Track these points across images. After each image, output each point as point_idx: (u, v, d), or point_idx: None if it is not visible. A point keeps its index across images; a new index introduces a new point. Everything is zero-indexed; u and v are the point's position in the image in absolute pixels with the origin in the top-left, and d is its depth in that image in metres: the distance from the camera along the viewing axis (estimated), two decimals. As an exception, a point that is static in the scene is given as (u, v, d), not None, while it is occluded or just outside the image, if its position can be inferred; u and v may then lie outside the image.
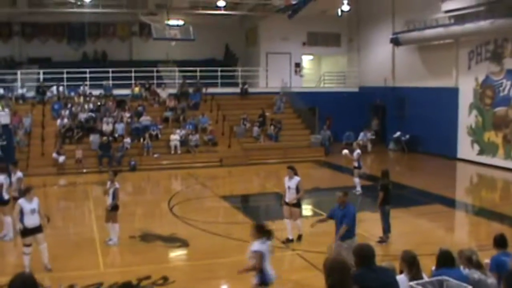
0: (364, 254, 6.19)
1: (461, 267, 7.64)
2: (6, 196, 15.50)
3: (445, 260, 7.44)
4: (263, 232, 9.18)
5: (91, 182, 24.23)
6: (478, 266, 7.72)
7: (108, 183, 14.98)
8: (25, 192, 12.76)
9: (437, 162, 28.85)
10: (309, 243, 14.55)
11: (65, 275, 12.15)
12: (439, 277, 6.68)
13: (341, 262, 5.47)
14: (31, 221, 12.32)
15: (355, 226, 11.94)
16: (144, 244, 15.06)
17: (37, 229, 12.43)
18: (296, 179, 14.94)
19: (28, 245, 12.44)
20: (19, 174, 16.36)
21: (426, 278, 7.44)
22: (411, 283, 6.61)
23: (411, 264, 7.34)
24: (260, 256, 8.94)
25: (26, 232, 12.35)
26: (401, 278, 7.09)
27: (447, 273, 6.96)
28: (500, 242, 8.65)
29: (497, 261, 8.19)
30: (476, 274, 7.42)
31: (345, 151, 21.45)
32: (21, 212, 12.28)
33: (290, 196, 14.95)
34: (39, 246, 12.57)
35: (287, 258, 13.92)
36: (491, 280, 7.57)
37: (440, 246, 8.00)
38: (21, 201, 12.41)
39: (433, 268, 7.64)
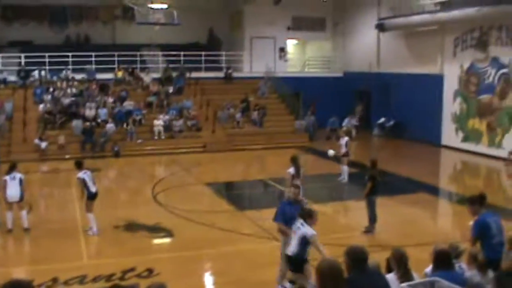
0: (358, 257, 6.01)
1: (460, 264, 7.59)
2: None
3: (442, 262, 7.22)
4: None
5: (74, 169, 23.88)
6: (480, 267, 7.62)
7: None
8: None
9: (421, 148, 28.87)
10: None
11: (49, 267, 12.01)
12: (431, 278, 6.56)
13: (335, 268, 5.33)
14: None
15: None
16: (128, 234, 14.93)
17: None
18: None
19: None
20: None
21: (415, 276, 7.38)
22: (403, 284, 6.49)
23: (399, 263, 7.27)
24: None
25: None
26: (391, 277, 7.01)
27: (444, 275, 6.78)
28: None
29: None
30: (476, 277, 7.31)
31: (331, 152, 21.03)
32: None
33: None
34: None
35: (273, 249, 13.80)
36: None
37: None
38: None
39: (427, 269, 7.53)
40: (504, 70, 25.25)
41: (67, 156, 26.31)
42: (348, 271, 5.85)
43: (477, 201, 9.10)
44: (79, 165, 14.95)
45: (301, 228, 9.69)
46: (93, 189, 14.74)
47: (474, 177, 24.41)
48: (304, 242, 9.62)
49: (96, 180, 15.50)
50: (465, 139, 27.71)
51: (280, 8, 34.81)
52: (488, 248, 8.64)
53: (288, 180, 14.44)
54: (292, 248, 9.81)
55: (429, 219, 17.13)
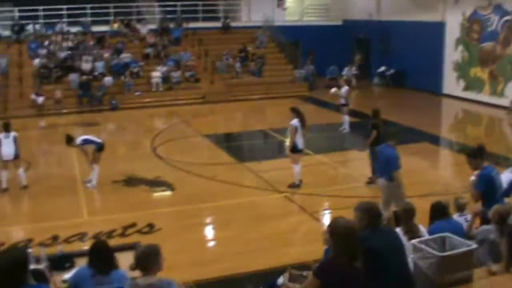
0: (371, 214, 5.77)
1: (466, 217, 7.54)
2: None
3: (438, 213, 7.16)
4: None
5: (72, 123, 23.66)
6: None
7: None
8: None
9: (422, 97, 28.56)
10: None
11: (48, 225, 11.84)
12: (442, 234, 6.32)
13: (350, 227, 5.11)
14: None
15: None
16: (128, 188, 14.73)
17: None
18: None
19: None
20: None
21: (422, 229, 7.24)
22: (414, 241, 6.26)
23: (403, 219, 7.20)
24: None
25: None
26: (398, 232, 6.87)
27: (442, 226, 6.68)
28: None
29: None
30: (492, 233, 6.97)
31: (334, 90, 20.96)
32: None
33: (303, 141, 14.27)
34: None
35: (274, 202, 13.67)
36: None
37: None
38: None
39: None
40: (508, 17, 24.69)
41: (64, 111, 26.07)
42: (360, 227, 5.61)
43: (478, 155, 8.59)
44: (69, 140, 14.91)
45: None
46: (99, 140, 14.63)
47: (476, 126, 24.18)
48: None
49: (95, 135, 15.30)
50: (467, 88, 27.37)
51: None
52: (493, 203, 8.34)
53: (291, 132, 14.14)
54: None
55: (432, 169, 16.97)
